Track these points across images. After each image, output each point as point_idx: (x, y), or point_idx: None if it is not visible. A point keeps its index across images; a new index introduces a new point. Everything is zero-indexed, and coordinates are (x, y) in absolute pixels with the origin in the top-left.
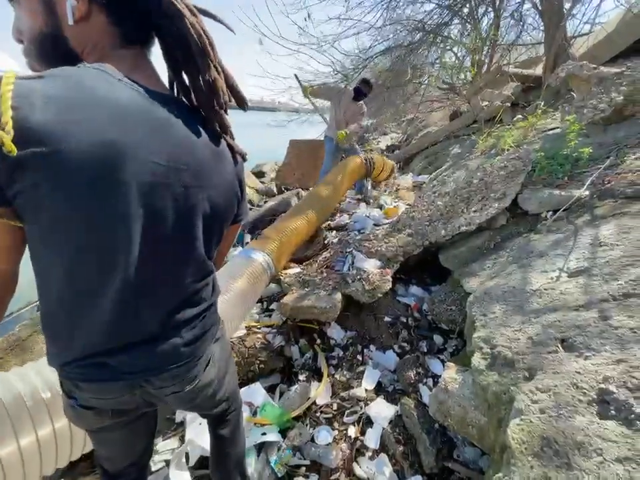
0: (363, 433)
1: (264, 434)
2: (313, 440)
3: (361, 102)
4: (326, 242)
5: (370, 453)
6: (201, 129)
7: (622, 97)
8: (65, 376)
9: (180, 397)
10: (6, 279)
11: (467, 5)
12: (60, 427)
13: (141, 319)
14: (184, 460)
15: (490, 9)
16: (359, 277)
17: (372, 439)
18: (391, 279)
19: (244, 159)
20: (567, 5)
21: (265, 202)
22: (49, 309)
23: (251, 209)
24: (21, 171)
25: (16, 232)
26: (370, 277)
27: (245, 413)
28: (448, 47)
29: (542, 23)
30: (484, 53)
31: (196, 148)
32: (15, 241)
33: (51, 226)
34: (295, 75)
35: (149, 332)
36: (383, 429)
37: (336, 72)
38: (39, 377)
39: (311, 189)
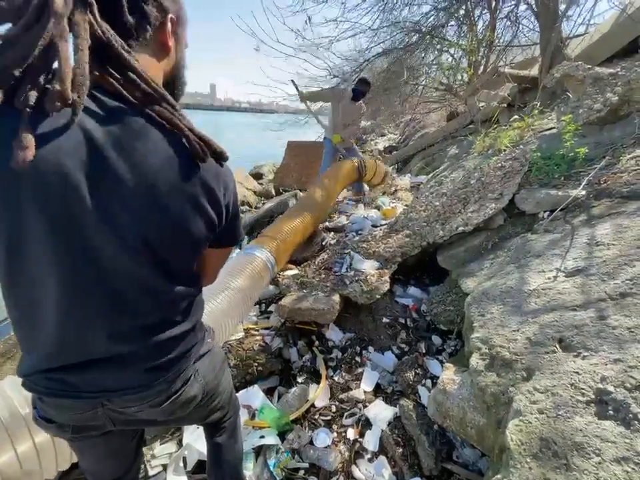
0: (361, 434)
1: (262, 437)
2: (311, 442)
3: (360, 102)
4: (324, 243)
5: (369, 455)
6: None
7: (617, 97)
8: (27, 387)
9: (154, 413)
10: None
11: (463, 7)
12: (41, 441)
13: (87, 341)
14: (182, 464)
15: (486, 10)
16: (356, 278)
17: (371, 441)
18: (388, 280)
19: (221, 159)
20: (562, 7)
21: (263, 203)
22: (10, 319)
23: (248, 210)
24: None
25: None
26: (368, 278)
27: (244, 416)
28: (444, 49)
29: (537, 24)
30: (480, 54)
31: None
32: None
33: None
34: (292, 81)
35: (101, 353)
36: (382, 430)
37: (333, 76)
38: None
39: (305, 191)
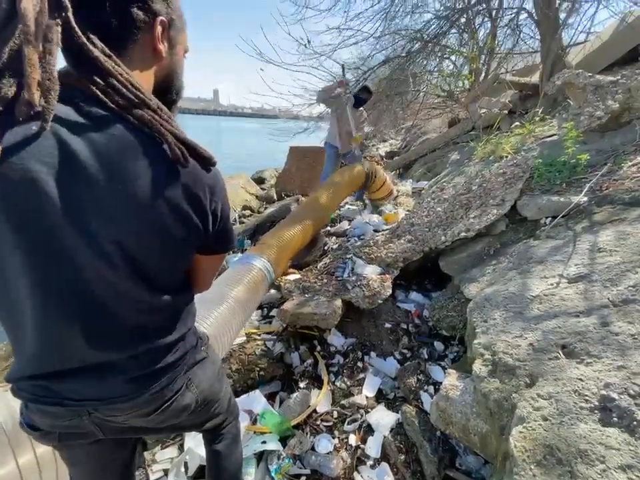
0: (363, 441)
1: (264, 442)
2: (313, 448)
3: (361, 109)
4: (326, 248)
5: (371, 462)
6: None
7: (618, 105)
8: (14, 392)
9: (143, 422)
10: None
11: (464, 16)
12: (42, 453)
13: (68, 348)
14: (183, 469)
15: (487, 18)
16: (358, 283)
17: (373, 448)
18: (390, 285)
19: (208, 164)
20: (563, 15)
21: (265, 208)
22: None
23: (250, 215)
24: None
25: None
26: (370, 283)
27: (245, 421)
28: (446, 56)
29: (538, 32)
30: (481, 61)
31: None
32: None
33: None
34: (342, 65)
35: (83, 362)
36: (384, 437)
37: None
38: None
39: (310, 194)
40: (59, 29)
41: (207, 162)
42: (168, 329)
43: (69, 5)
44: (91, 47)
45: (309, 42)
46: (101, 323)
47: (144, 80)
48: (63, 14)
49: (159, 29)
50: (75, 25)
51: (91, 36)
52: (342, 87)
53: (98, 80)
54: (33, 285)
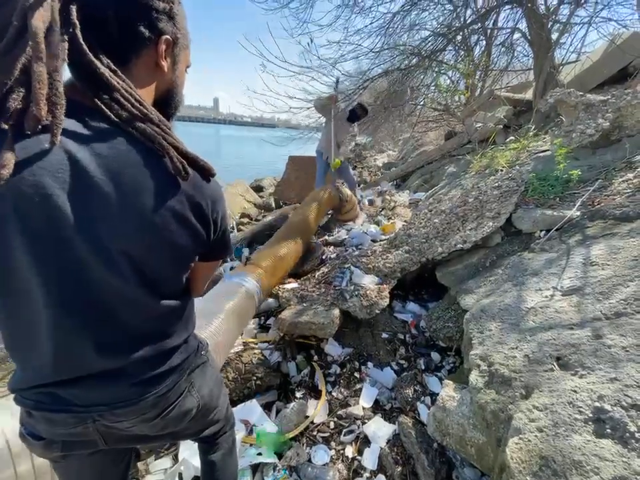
0: (360, 452)
1: (259, 454)
2: (309, 460)
3: (354, 123)
4: (324, 257)
5: (367, 474)
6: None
7: (608, 123)
8: (18, 401)
9: (146, 428)
10: None
11: (461, 34)
12: (39, 464)
13: (78, 357)
14: None
15: (482, 37)
16: (356, 292)
17: (369, 460)
18: (388, 295)
19: (208, 175)
20: (555, 35)
21: (264, 216)
22: (2, 338)
23: (248, 223)
24: None
25: None
26: (368, 292)
27: (241, 431)
28: (443, 71)
29: (531, 51)
30: (477, 77)
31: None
32: None
33: None
34: (337, 79)
35: (93, 369)
36: (381, 448)
37: (338, 93)
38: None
39: (297, 209)
40: (66, 45)
41: (207, 173)
42: (171, 333)
43: (77, 22)
44: (97, 63)
45: (311, 40)
46: (111, 331)
47: (145, 94)
48: (71, 30)
49: (162, 46)
50: (82, 42)
51: (98, 52)
52: (332, 101)
53: (103, 94)
54: (48, 296)
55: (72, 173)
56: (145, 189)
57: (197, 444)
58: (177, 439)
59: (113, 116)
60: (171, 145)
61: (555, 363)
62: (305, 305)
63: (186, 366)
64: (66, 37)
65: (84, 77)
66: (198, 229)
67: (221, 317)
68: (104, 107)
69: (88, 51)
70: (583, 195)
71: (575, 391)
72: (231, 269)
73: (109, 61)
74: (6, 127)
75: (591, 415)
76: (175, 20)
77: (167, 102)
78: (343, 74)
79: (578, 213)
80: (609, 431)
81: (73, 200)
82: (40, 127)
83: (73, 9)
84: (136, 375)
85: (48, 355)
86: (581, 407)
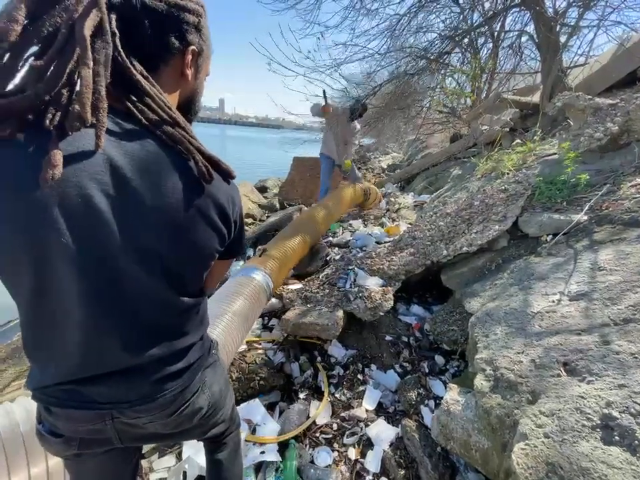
0: (363, 455)
1: (262, 453)
2: (312, 461)
3: (355, 122)
4: (328, 258)
5: (370, 477)
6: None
7: (617, 127)
8: (37, 398)
9: (162, 426)
10: None
11: (467, 36)
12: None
13: (105, 354)
14: (181, 479)
15: (489, 39)
16: (360, 294)
17: (372, 462)
18: (392, 298)
19: (229, 177)
20: (563, 38)
21: (268, 217)
22: (22, 332)
23: (252, 224)
24: None
25: None
26: (372, 294)
27: (244, 430)
28: (449, 74)
29: (539, 54)
30: (483, 80)
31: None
32: None
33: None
34: (324, 91)
35: (118, 365)
36: (384, 451)
37: (349, 96)
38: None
39: (311, 206)
40: (109, 52)
41: (227, 175)
42: (189, 330)
43: (117, 31)
44: (132, 69)
45: (322, 35)
46: (136, 328)
47: (171, 100)
48: (112, 38)
49: (189, 56)
50: (121, 49)
51: (131, 58)
52: (325, 112)
53: (135, 99)
54: (82, 295)
55: (109, 173)
56: (173, 189)
57: (202, 443)
58: (186, 439)
59: (144, 119)
60: (196, 149)
61: (562, 369)
62: (308, 306)
63: (200, 364)
64: (107, 45)
65: (119, 81)
66: (221, 228)
67: (229, 316)
68: (136, 111)
69: (126, 58)
70: (591, 200)
71: (583, 397)
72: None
73: (141, 68)
74: (51, 127)
75: (598, 422)
76: (202, 32)
77: (188, 108)
78: (347, 80)
79: (585, 218)
80: (617, 438)
81: (110, 200)
82: (82, 127)
83: (113, 18)
84: (155, 372)
85: (75, 352)
86: (588, 414)
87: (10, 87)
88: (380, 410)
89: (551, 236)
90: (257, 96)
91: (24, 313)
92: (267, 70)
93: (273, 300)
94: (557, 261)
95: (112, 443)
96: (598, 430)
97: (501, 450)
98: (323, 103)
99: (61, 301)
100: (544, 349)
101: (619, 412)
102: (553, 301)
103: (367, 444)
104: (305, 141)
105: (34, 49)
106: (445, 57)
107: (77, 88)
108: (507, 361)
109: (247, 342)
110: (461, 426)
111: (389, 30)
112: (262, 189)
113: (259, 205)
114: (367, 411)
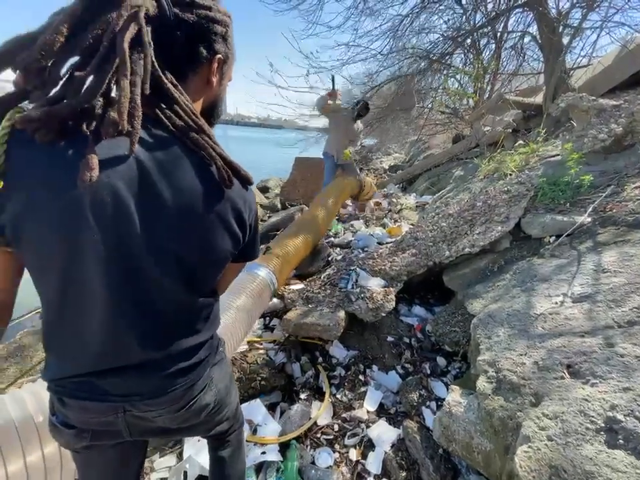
0: (364, 456)
1: (263, 453)
2: (313, 462)
3: (358, 121)
4: (329, 259)
5: (372, 478)
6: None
7: (621, 128)
8: (52, 390)
9: (170, 420)
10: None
11: (470, 37)
12: (49, 453)
13: (123, 349)
14: (182, 478)
15: (492, 40)
16: (362, 295)
17: (373, 464)
18: (394, 298)
19: (247, 183)
20: (566, 39)
21: (269, 217)
22: (43, 326)
23: None
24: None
25: (7, 255)
26: (374, 295)
27: (245, 430)
28: (451, 75)
29: (542, 55)
30: (486, 81)
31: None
32: (7, 263)
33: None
34: (332, 76)
35: (134, 360)
36: (385, 452)
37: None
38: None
39: (312, 203)
40: (144, 62)
41: (246, 181)
42: (201, 329)
43: (151, 42)
44: (164, 78)
45: (332, 27)
46: (153, 324)
47: (196, 106)
48: (147, 50)
49: (215, 65)
50: (155, 60)
51: (164, 70)
52: (332, 97)
53: (164, 106)
54: (108, 289)
55: (138, 176)
56: (196, 194)
57: (204, 441)
58: (191, 434)
59: (171, 126)
60: (218, 155)
61: (565, 371)
62: (310, 306)
63: (209, 361)
64: (145, 56)
65: (151, 89)
66: (237, 232)
67: (233, 312)
68: (164, 118)
69: (158, 68)
70: (595, 201)
71: (587, 400)
72: None
73: (172, 77)
74: (88, 132)
75: (602, 425)
76: (227, 41)
77: (211, 113)
78: (349, 81)
79: (589, 219)
80: (621, 441)
81: (138, 202)
82: (117, 133)
83: (148, 30)
84: (168, 367)
85: (95, 344)
86: (592, 416)
87: (51, 94)
88: (381, 411)
89: (554, 237)
90: (259, 96)
91: (49, 307)
92: (270, 71)
93: (275, 300)
94: (560, 262)
95: (122, 436)
96: (602, 433)
97: (503, 452)
98: (329, 99)
99: (86, 297)
100: (547, 351)
101: (624, 415)
102: (556, 303)
103: (368, 445)
104: (299, 140)
105: (74, 58)
106: (447, 57)
107: (114, 96)
108: (509, 363)
109: (249, 342)
110: (463, 428)
111: (391, 30)
112: (263, 189)
113: (261, 205)
114: (368, 412)
